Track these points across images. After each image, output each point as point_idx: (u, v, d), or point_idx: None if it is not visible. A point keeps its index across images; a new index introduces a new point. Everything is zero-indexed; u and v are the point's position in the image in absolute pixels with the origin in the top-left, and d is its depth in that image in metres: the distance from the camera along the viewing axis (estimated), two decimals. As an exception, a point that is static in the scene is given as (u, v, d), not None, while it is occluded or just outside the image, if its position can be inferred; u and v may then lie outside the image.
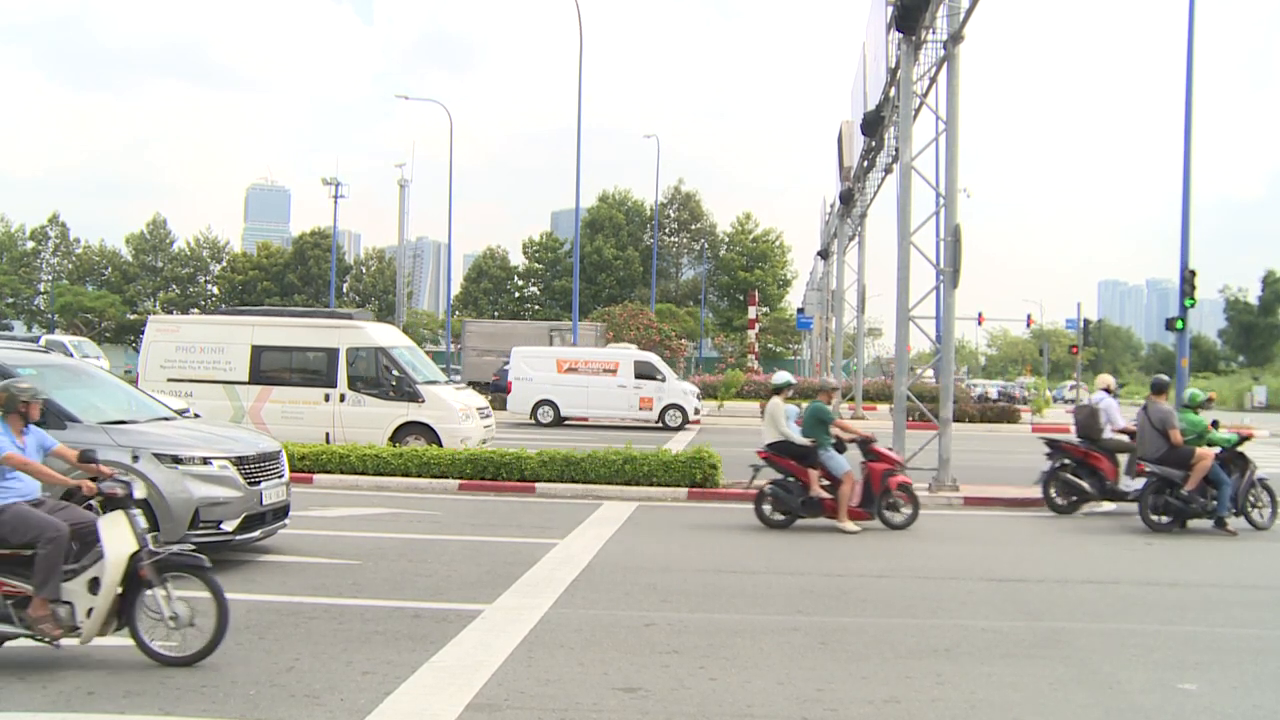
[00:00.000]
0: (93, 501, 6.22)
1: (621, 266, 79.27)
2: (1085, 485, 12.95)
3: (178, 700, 5.48)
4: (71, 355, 19.44)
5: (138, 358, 19.04)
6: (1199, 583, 9.26)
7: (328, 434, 16.94)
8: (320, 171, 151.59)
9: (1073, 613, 7.86)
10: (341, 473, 14.39)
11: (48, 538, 5.93)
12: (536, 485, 13.98)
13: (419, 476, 14.30)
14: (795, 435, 11.70)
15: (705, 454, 14.05)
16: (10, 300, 77.09)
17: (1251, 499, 12.11)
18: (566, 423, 28.72)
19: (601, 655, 6.45)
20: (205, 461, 8.70)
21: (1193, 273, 31.59)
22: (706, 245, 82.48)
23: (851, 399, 35.57)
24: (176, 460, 8.58)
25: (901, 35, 15.19)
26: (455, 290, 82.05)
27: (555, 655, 6.42)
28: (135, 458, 8.13)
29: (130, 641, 6.04)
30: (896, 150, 19.40)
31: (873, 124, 22.10)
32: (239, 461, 8.94)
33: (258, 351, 17.61)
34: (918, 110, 15.74)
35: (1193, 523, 12.02)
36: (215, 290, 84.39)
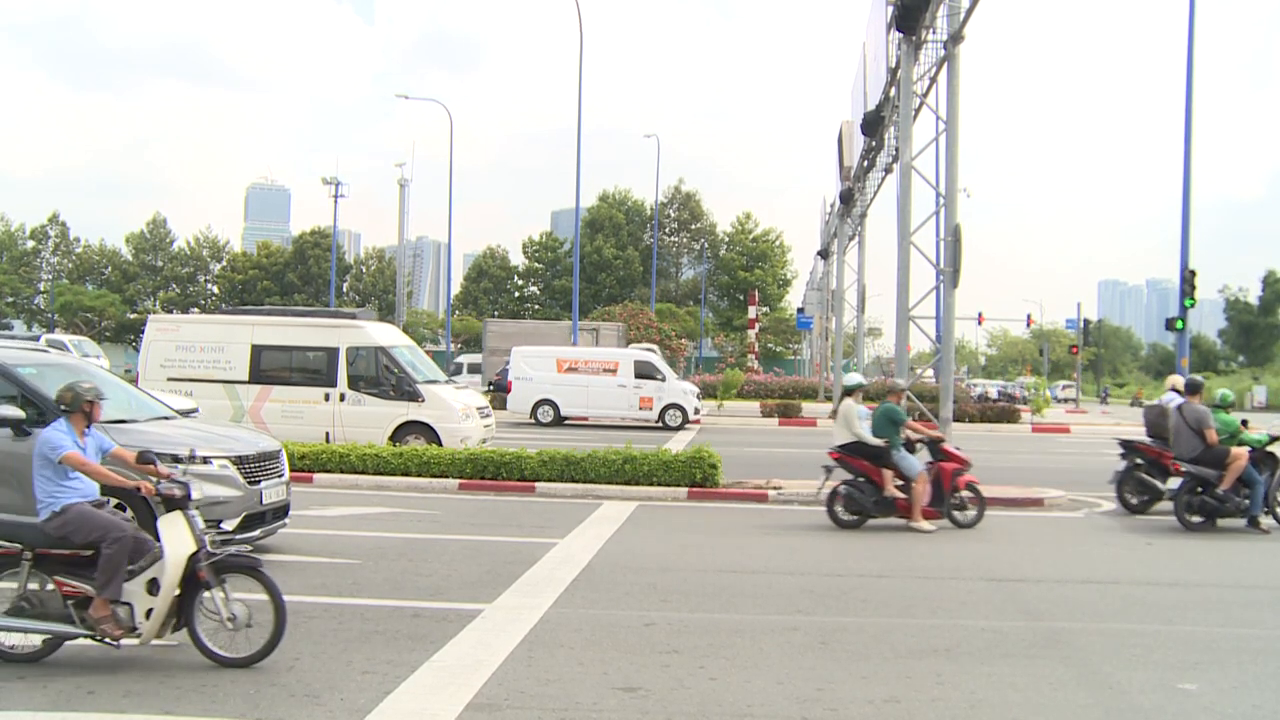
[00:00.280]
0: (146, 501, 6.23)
1: (621, 266, 79.27)
2: (1159, 485, 12.98)
3: (178, 700, 5.48)
4: (71, 354, 19.43)
5: (138, 357, 19.04)
6: (1199, 583, 9.26)
7: (328, 433, 16.94)
8: (320, 171, 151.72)
9: (1073, 613, 7.86)
10: (341, 472, 14.39)
11: (113, 537, 5.94)
12: (536, 485, 13.98)
13: (419, 476, 14.30)
14: (868, 436, 11.78)
15: (705, 454, 14.05)
16: (10, 299, 77.07)
17: None
18: (566, 422, 28.71)
19: (601, 655, 6.45)
20: (205, 461, 8.69)
21: (1193, 273, 31.60)
22: (706, 245, 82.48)
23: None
24: (176, 460, 8.56)
25: (901, 35, 15.20)
26: (455, 290, 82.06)
27: (555, 655, 6.42)
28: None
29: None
30: (896, 150, 19.40)
31: (873, 124, 22.11)
32: (239, 461, 8.94)
33: (258, 351, 17.61)
34: (918, 110, 15.74)
35: (1223, 521, 12.09)
36: (215, 290, 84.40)
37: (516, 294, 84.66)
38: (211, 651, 6.00)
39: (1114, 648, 6.83)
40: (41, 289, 79.95)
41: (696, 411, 29.03)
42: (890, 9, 15.36)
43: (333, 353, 17.34)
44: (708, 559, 9.78)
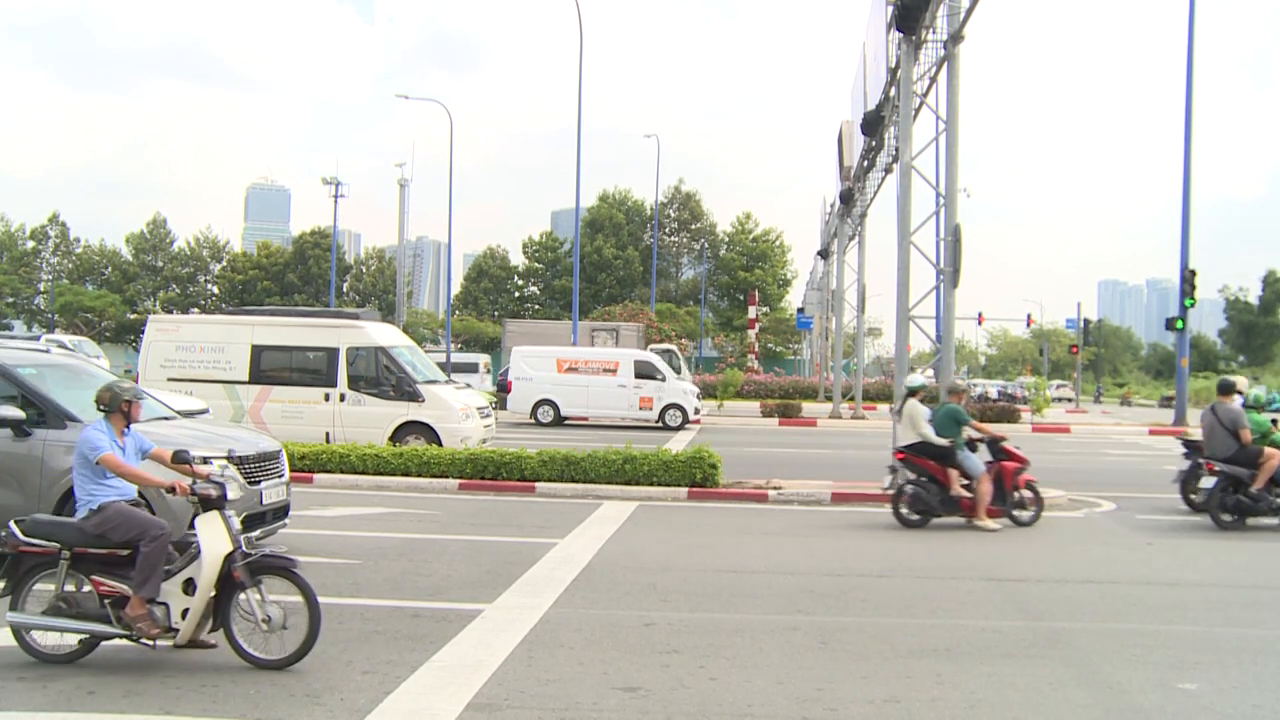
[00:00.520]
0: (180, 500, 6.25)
1: (621, 266, 79.28)
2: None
3: (178, 700, 5.48)
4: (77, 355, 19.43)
5: (138, 357, 19.05)
6: (1199, 583, 9.25)
7: (328, 433, 16.94)
8: (320, 171, 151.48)
9: (1073, 613, 7.85)
10: (341, 472, 14.39)
11: (152, 535, 5.96)
12: (536, 485, 13.99)
13: (419, 476, 14.30)
14: (934, 436, 11.89)
15: (705, 454, 14.05)
16: (10, 300, 77.07)
17: None
18: (566, 422, 28.72)
19: (601, 655, 6.45)
20: (205, 461, 8.67)
21: (1193, 273, 31.61)
22: (706, 245, 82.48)
23: (851, 399, 35.58)
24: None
25: (901, 35, 15.19)
26: (455, 290, 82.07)
27: (555, 655, 6.42)
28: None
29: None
30: (896, 150, 19.39)
31: (873, 124, 22.09)
32: (239, 461, 8.93)
33: (258, 351, 17.62)
34: (918, 110, 15.74)
35: (1251, 520, 12.19)
36: (215, 290, 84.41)
37: (516, 294, 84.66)
38: (246, 653, 5.99)
39: (1114, 648, 6.83)
40: (41, 289, 79.95)
41: (696, 411, 29.05)
42: (890, 9, 15.35)
43: (333, 353, 17.35)
44: (708, 559, 9.77)
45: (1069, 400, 64.80)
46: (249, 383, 17.46)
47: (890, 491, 12.02)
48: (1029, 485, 11.96)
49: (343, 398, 17.19)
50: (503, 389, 32.09)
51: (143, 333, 18.82)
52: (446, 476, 14.27)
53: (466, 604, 7.65)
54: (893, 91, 18.88)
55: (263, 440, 9.73)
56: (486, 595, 7.93)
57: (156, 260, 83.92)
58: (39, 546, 6.04)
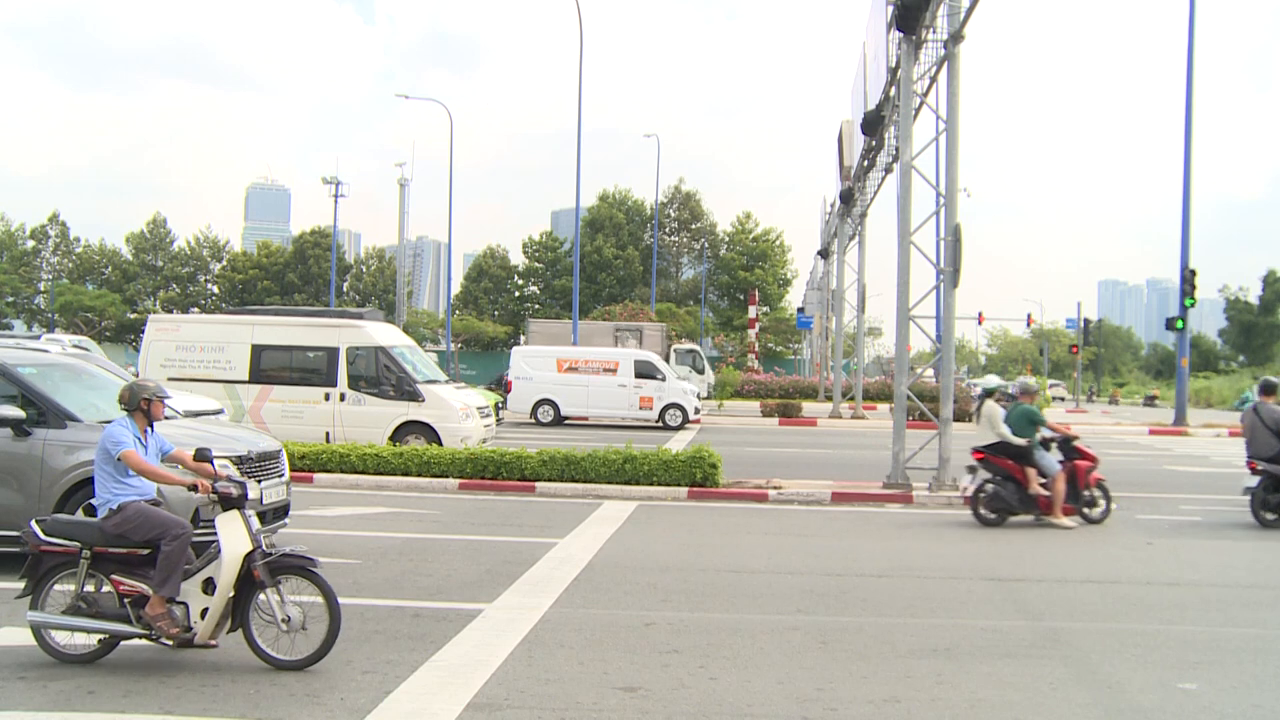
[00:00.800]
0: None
1: (622, 266, 79.23)
2: None
3: (178, 699, 5.48)
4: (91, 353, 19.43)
5: (137, 357, 19.05)
6: (1199, 583, 9.26)
7: (328, 433, 16.95)
8: (320, 171, 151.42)
9: (1073, 613, 7.86)
10: (342, 472, 14.39)
11: (173, 534, 5.97)
12: (537, 484, 13.98)
13: (419, 476, 14.30)
14: (1012, 436, 12.14)
15: (705, 453, 14.05)
16: (10, 299, 77.04)
17: None
18: (567, 422, 28.72)
19: (601, 655, 6.45)
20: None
21: (1193, 272, 31.60)
22: (706, 245, 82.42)
23: (851, 399, 35.57)
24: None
25: (902, 35, 15.17)
26: (455, 290, 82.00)
27: (555, 655, 6.43)
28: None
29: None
30: (897, 150, 19.39)
31: (873, 123, 22.09)
32: (239, 460, 8.93)
33: (258, 351, 17.63)
34: (918, 110, 15.72)
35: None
36: (215, 289, 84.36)
37: (516, 294, 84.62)
38: (266, 653, 5.99)
39: (1114, 648, 6.83)
40: (41, 289, 79.91)
41: (697, 411, 29.05)
42: (890, 9, 15.34)
43: (333, 352, 17.35)
44: (708, 559, 9.77)
45: (1062, 399, 64.96)
46: (249, 382, 17.47)
47: (969, 491, 12.26)
48: (1099, 483, 12.23)
49: (343, 397, 17.19)
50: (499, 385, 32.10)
51: (143, 332, 18.83)
52: (446, 476, 14.27)
53: (466, 604, 7.65)
54: (893, 91, 18.88)
55: (263, 440, 9.72)
56: (486, 595, 7.93)
57: (156, 260, 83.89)
58: (60, 546, 6.06)
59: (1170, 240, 32.61)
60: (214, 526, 6.04)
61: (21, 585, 6.11)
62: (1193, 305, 31.97)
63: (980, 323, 72.00)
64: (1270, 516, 12.13)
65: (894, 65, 17.10)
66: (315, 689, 5.67)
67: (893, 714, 5.48)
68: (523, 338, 39.96)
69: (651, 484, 13.86)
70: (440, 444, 16.32)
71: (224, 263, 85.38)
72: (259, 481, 9.01)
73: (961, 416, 29.26)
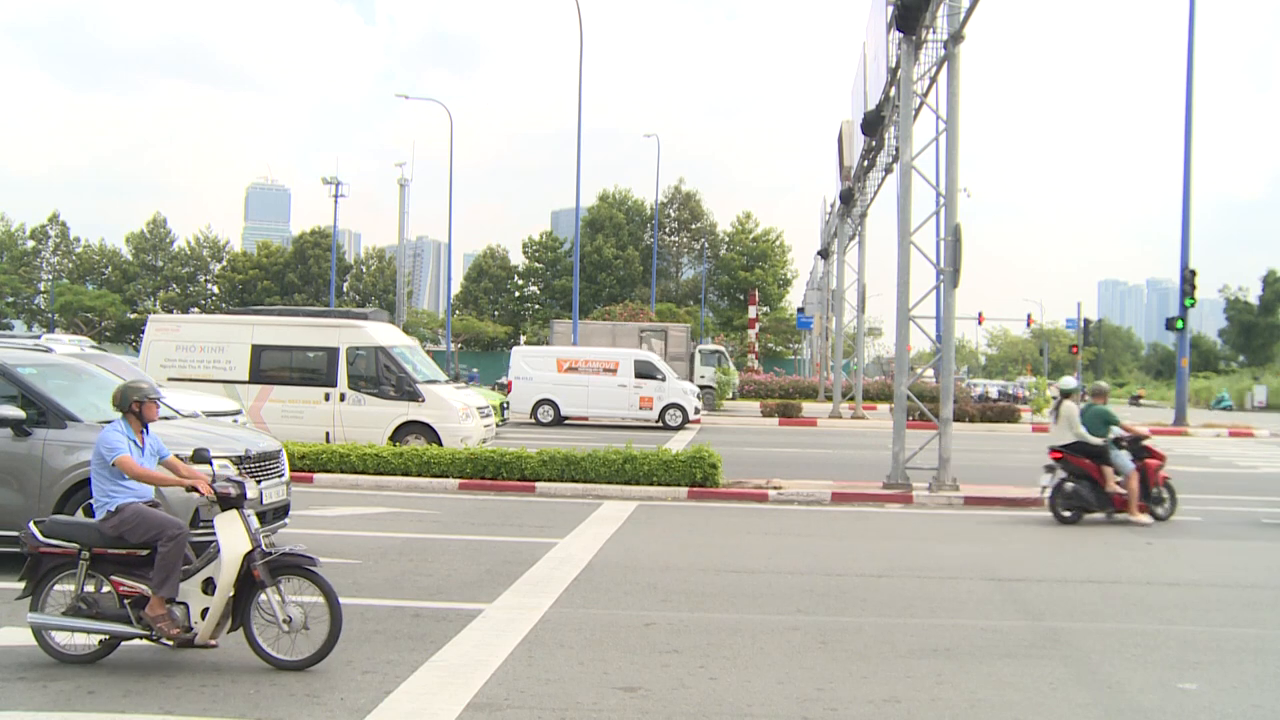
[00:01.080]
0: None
1: (622, 266, 79.22)
2: None
3: (178, 699, 5.48)
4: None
5: (137, 357, 19.05)
6: (1199, 583, 9.26)
7: (328, 433, 16.95)
8: (320, 171, 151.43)
9: (1073, 613, 7.86)
10: (342, 472, 14.39)
11: (169, 535, 5.97)
12: (537, 484, 13.98)
13: (419, 476, 14.30)
14: (1090, 436, 12.49)
15: (705, 453, 14.05)
16: (10, 299, 77.03)
17: None
18: (567, 422, 28.72)
19: (601, 655, 6.45)
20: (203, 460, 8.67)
21: (1193, 272, 31.61)
22: (706, 245, 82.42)
23: (851, 399, 35.58)
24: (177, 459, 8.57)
25: (902, 35, 15.17)
26: (455, 289, 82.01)
27: (555, 655, 6.43)
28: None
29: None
30: (897, 150, 19.39)
31: (873, 123, 22.10)
32: (239, 460, 8.93)
33: (258, 351, 17.63)
34: (918, 110, 15.72)
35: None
36: (215, 289, 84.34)
37: (516, 294, 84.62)
38: (267, 653, 5.99)
39: (1114, 648, 6.84)
40: (41, 289, 79.89)
41: (697, 411, 29.05)
42: (890, 9, 15.34)
43: (333, 353, 17.35)
44: (708, 559, 9.77)
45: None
46: (249, 382, 17.47)
47: (1048, 490, 12.50)
48: (1166, 482, 12.55)
49: (343, 397, 17.19)
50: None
51: (143, 332, 18.83)
52: (446, 476, 14.27)
53: (467, 604, 7.65)
54: (893, 91, 18.88)
55: (263, 440, 9.72)
56: (486, 595, 7.93)
57: (156, 260, 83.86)
58: (59, 547, 6.06)
59: (1170, 240, 32.61)
60: (213, 527, 6.04)
61: (21, 586, 6.11)
62: (1193, 305, 31.98)
63: (980, 323, 71.98)
64: None
65: (894, 65, 17.10)
66: (315, 689, 5.67)
67: (893, 714, 5.48)
68: (548, 337, 38.69)
69: (651, 484, 13.86)
70: (440, 444, 16.32)
71: (224, 263, 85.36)
72: (259, 481, 9.01)
73: (961, 417, 29.34)
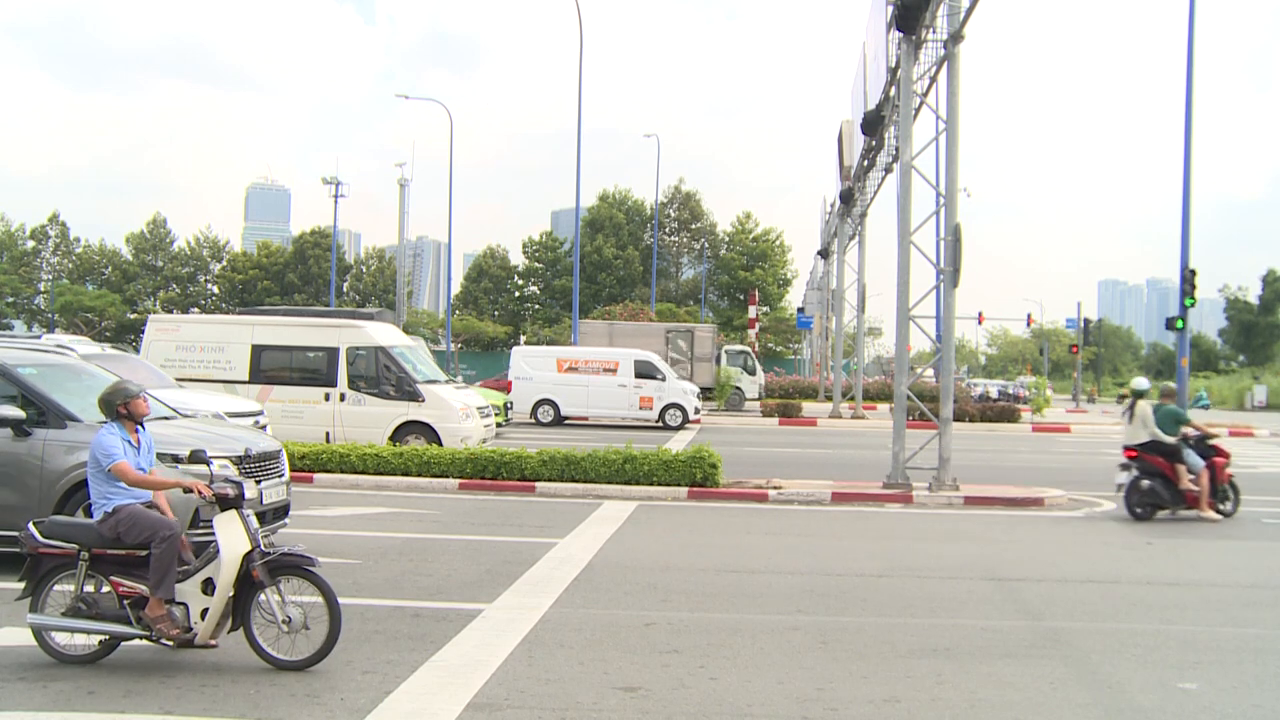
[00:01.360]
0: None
1: (622, 266, 79.21)
2: None
3: (178, 699, 5.48)
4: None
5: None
6: (1199, 583, 9.26)
7: (328, 433, 16.95)
8: (320, 171, 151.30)
9: (1073, 613, 7.86)
10: (342, 472, 14.39)
11: (162, 536, 5.97)
12: (537, 484, 13.98)
13: (419, 476, 14.30)
14: (1164, 435, 12.87)
15: (705, 453, 14.04)
16: (10, 299, 77.02)
17: None
18: (567, 422, 28.72)
19: (602, 655, 6.45)
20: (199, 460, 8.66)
21: (1193, 272, 31.59)
22: (706, 245, 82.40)
23: (851, 398, 35.58)
24: (176, 460, 8.57)
25: (901, 35, 15.17)
26: (455, 289, 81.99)
27: (555, 655, 6.43)
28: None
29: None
30: (896, 150, 19.39)
31: (873, 123, 22.10)
32: (238, 460, 8.93)
33: (258, 351, 17.64)
34: (918, 110, 15.72)
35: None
36: (215, 290, 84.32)
37: (516, 294, 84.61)
38: (267, 653, 5.99)
39: (1114, 648, 6.84)
40: (41, 289, 79.86)
41: (697, 411, 29.06)
42: (890, 8, 15.34)
43: (333, 353, 17.36)
44: (708, 559, 9.77)
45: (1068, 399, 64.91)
46: (249, 382, 17.47)
47: (1123, 488, 12.79)
48: (1230, 480, 12.90)
49: (343, 397, 17.20)
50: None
51: (143, 333, 18.84)
52: (446, 476, 14.27)
53: (467, 604, 7.65)
54: (893, 91, 18.88)
55: (263, 440, 9.72)
56: (486, 595, 7.93)
57: (156, 260, 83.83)
58: (58, 548, 6.07)
59: (1170, 240, 32.59)
60: (213, 527, 6.04)
61: (21, 586, 6.12)
62: (1193, 305, 31.94)
63: (980, 322, 72.01)
64: None
65: (894, 65, 17.10)
66: (315, 689, 5.67)
67: (893, 714, 5.48)
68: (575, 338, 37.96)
69: (652, 484, 13.86)
70: (440, 444, 16.32)
71: (224, 263, 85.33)
72: (258, 481, 9.01)
73: (961, 416, 29.34)
